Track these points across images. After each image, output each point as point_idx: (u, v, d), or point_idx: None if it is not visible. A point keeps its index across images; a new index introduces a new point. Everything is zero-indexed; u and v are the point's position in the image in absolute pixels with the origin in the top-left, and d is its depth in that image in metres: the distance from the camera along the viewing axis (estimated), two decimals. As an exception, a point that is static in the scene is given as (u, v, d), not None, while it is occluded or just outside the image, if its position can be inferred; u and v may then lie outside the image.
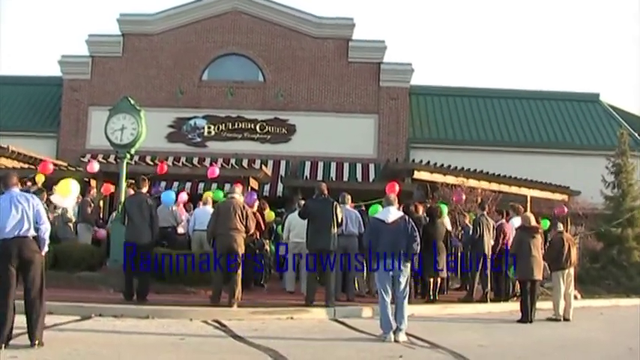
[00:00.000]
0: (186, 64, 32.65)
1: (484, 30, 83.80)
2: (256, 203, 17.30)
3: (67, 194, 10.53)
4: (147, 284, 13.45)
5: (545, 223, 17.64)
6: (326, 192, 13.96)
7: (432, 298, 15.22)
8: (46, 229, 9.23)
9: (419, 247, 11.33)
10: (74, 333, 10.47)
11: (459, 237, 17.75)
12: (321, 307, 13.42)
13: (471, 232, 16.61)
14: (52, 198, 14.99)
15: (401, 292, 11.17)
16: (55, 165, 23.38)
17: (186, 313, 12.40)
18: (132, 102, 16.56)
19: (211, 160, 28.97)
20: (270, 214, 17.86)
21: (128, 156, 16.57)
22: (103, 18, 62.93)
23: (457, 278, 18.65)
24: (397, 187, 15.51)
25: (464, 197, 19.15)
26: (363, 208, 16.88)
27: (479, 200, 19.04)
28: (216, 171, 19.80)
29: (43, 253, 9.32)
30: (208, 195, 18.90)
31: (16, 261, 9.04)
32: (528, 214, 15.16)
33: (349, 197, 15.44)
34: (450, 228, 17.16)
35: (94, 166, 18.49)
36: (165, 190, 21.85)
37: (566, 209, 21.45)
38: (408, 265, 11.30)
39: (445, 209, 17.00)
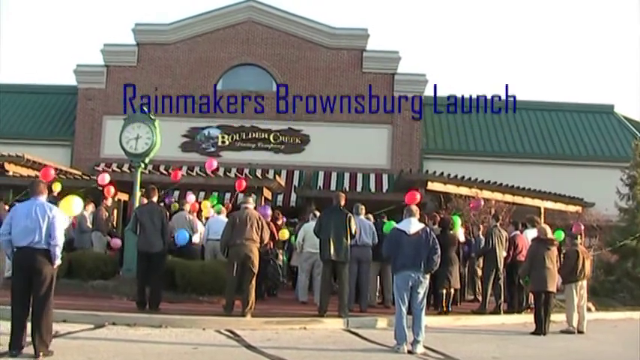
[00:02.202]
0: (201, 73, 32.76)
1: (498, 41, 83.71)
2: (269, 212, 17.40)
3: (69, 212, 10.52)
4: (159, 293, 13.45)
5: (560, 235, 17.58)
6: (343, 202, 13.98)
7: (445, 309, 15.18)
8: (55, 244, 9.13)
9: (439, 259, 11.33)
10: (88, 341, 10.49)
11: (470, 244, 17.71)
12: (334, 318, 13.41)
13: (483, 243, 16.59)
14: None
15: (419, 303, 11.16)
16: (57, 171, 23.49)
17: (199, 323, 12.40)
18: (147, 111, 16.61)
19: (225, 169, 29.02)
20: (283, 233, 17.86)
21: (142, 165, 16.63)
22: (119, 28, 63.63)
23: (471, 290, 18.60)
24: (418, 197, 15.43)
25: (482, 203, 19.06)
26: (385, 218, 16.77)
27: (492, 211, 18.98)
28: (213, 163, 19.78)
29: (55, 267, 9.27)
30: (204, 206, 19.00)
31: (27, 271, 9.07)
32: (545, 225, 15.10)
33: (363, 208, 15.47)
34: (462, 239, 17.14)
35: (105, 178, 18.45)
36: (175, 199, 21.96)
37: (582, 226, 21.37)
38: (428, 276, 11.29)
39: (458, 220, 16.96)
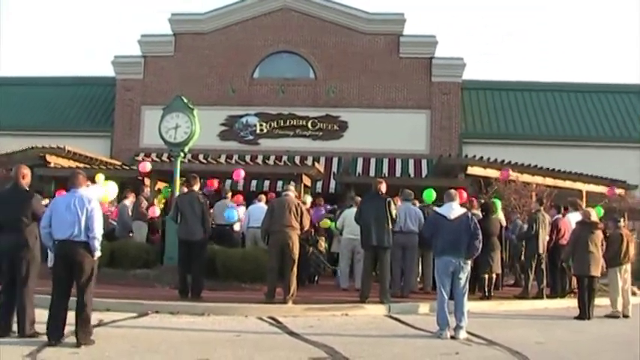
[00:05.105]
0: (238, 62, 32.76)
1: (536, 22, 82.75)
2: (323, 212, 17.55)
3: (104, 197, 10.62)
4: (201, 281, 13.55)
5: (600, 211, 17.34)
6: (382, 189, 13.93)
7: (487, 294, 15.08)
8: (94, 237, 9.21)
9: (481, 245, 11.24)
10: (132, 330, 10.60)
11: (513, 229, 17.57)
12: (376, 304, 13.40)
13: (525, 227, 16.45)
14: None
15: (460, 288, 11.09)
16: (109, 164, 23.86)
17: (241, 310, 12.49)
18: (185, 101, 16.66)
19: (263, 157, 29.06)
20: (325, 223, 17.86)
21: (182, 154, 16.70)
22: (155, 18, 63.82)
23: (511, 274, 18.45)
24: (465, 195, 15.38)
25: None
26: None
27: (533, 195, 18.81)
28: (241, 173, 19.82)
29: (95, 258, 9.36)
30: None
31: (67, 262, 9.19)
32: (589, 209, 14.91)
33: (412, 194, 15.46)
34: (504, 223, 17.01)
35: (147, 166, 18.80)
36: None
37: (616, 190, 21.06)
38: (469, 262, 11.20)
39: (499, 204, 16.82)
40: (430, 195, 15.82)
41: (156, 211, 18.01)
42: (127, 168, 23.09)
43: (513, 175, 21.18)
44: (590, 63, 75.80)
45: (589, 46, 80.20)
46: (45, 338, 9.13)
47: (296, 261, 13.35)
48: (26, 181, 9.93)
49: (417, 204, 16.00)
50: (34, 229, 9.52)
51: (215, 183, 20.12)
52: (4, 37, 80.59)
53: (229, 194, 18.83)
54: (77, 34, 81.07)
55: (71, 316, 9.21)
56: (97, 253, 9.36)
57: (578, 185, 23.65)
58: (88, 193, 9.75)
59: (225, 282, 14.89)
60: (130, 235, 18.09)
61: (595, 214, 14.59)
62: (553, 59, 76.23)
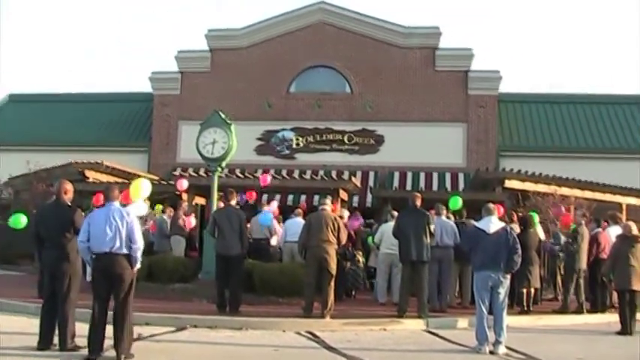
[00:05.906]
0: (274, 77, 32.88)
1: (574, 33, 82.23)
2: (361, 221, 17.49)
3: (137, 195, 10.68)
4: (239, 296, 13.58)
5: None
6: (418, 203, 13.91)
7: (525, 308, 14.95)
8: (137, 248, 9.29)
9: (520, 260, 11.16)
10: (171, 344, 10.65)
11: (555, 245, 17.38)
12: (413, 319, 13.35)
13: (563, 240, 16.28)
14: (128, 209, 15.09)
15: (500, 303, 11.01)
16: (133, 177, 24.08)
17: (279, 325, 12.48)
18: (222, 116, 16.75)
19: (300, 172, 29.11)
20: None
21: (219, 169, 16.78)
22: (192, 35, 64.28)
23: (550, 288, 18.26)
24: (502, 210, 15.30)
25: (564, 210, 18.69)
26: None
27: (571, 208, 18.60)
28: (267, 179, 19.85)
29: (135, 270, 9.42)
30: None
31: (107, 276, 9.22)
32: (630, 222, 14.71)
33: (444, 208, 15.39)
34: (543, 237, 16.83)
35: (184, 184, 18.95)
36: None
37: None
38: (508, 276, 11.13)
39: (536, 218, 16.66)
40: (456, 202, 15.72)
41: (192, 221, 18.15)
42: (165, 183, 23.27)
43: (552, 188, 21.02)
44: (618, 75, 75.07)
45: (609, 56, 79.48)
46: (85, 352, 9.20)
47: (334, 275, 13.35)
48: (68, 196, 10.08)
49: (452, 218, 15.94)
50: (76, 244, 9.62)
51: (254, 194, 20.20)
52: (42, 54, 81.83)
53: (265, 207, 18.90)
54: (115, 51, 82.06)
55: (111, 330, 9.27)
56: (138, 265, 9.42)
57: (618, 198, 23.37)
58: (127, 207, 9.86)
59: (263, 296, 14.91)
60: (169, 249, 18.23)
61: (636, 227, 14.39)
62: (596, 70, 75.66)
